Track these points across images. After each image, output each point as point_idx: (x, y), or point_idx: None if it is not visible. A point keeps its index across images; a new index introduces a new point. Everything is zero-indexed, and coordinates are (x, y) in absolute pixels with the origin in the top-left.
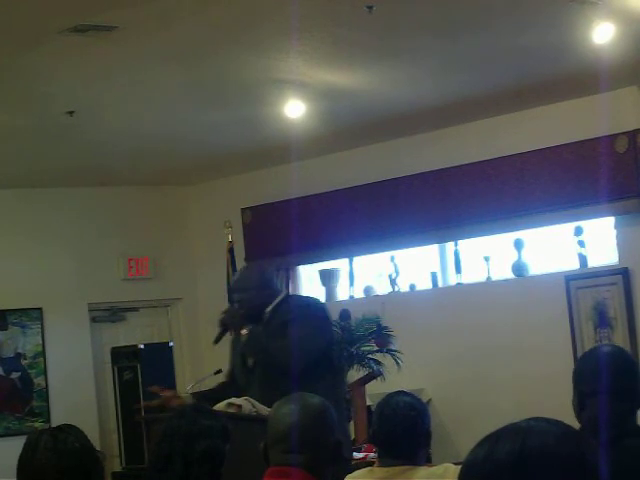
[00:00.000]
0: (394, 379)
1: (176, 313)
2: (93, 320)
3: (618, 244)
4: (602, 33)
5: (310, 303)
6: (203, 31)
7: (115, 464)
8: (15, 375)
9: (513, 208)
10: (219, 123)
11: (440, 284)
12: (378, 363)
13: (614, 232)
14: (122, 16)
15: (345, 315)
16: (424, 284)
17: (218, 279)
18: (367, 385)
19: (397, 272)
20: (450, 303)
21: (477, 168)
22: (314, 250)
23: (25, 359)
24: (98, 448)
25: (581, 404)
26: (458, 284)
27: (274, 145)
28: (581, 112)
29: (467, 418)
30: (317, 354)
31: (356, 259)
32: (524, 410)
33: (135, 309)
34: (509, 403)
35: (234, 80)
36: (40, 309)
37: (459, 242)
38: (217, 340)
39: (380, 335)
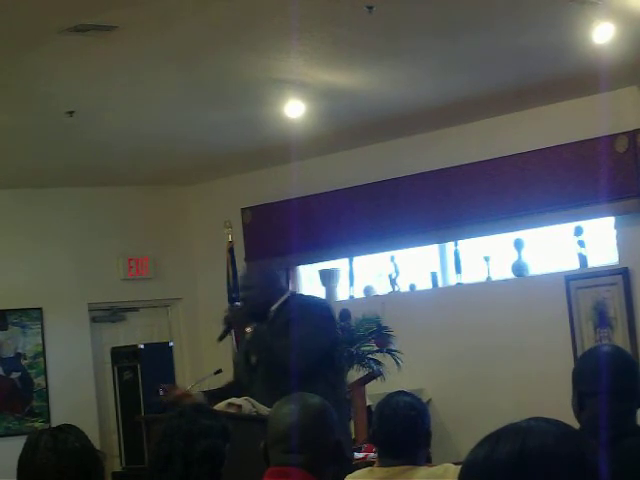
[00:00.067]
0: (394, 379)
1: (176, 313)
2: (93, 320)
3: (618, 244)
4: (602, 33)
5: (314, 302)
6: (203, 31)
7: (115, 464)
8: (15, 375)
9: (513, 208)
10: (219, 123)
11: (440, 284)
12: (378, 363)
13: (614, 232)
14: (122, 16)
15: (345, 315)
16: (424, 284)
17: (218, 279)
18: (367, 385)
19: (397, 272)
20: (450, 303)
21: (477, 168)
22: (314, 250)
23: (25, 359)
24: (98, 448)
25: (581, 404)
26: (458, 284)
27: (274, 145)
28: (581, 112)
29: (467, 418)
30: (320, 353)
31: (356, 259)
32: (524, 410)
33: (135, 309)
34: (509, 403)
35: (234, 80)
36: (40, 309)
37: (459, 242)
38: (221, 338)
39: (380, 335)
